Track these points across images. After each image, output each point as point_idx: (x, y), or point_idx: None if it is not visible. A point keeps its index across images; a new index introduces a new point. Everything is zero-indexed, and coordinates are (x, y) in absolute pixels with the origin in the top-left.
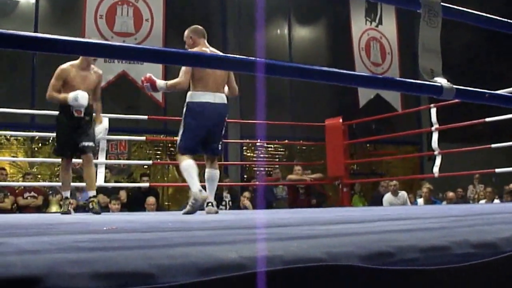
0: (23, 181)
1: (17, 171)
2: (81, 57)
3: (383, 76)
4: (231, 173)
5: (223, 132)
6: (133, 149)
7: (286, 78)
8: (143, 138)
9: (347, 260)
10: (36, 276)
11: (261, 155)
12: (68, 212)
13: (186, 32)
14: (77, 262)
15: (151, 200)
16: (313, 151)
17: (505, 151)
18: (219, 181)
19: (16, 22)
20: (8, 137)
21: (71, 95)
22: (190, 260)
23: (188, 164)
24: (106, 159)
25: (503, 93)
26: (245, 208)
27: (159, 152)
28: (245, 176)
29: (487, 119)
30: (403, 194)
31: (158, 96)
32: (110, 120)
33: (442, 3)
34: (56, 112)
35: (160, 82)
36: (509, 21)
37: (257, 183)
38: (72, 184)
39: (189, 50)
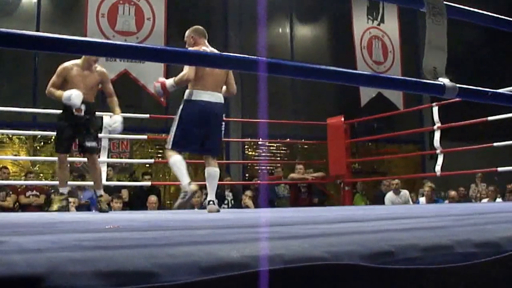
0: (25, 180)
1: (19, 169)
2: (83, 57)
3: (385, 75)
4: (233, 172)
5: (221, 132)
6: (135, 147)
7: (288, 77)
8: (145, 136)
9: (349, 259)
10: (39, 275)
11: (263, 154)
12: (64, 209)
13: (187, 32)
14: (80, 260)
15: (152, 198)
16: (314, 149)
17: (508, 149)
18: (220, 180)
19: (18, 21)
20: (10, 135)
21: (65, 94)
22: (192, 259)
23: (176, 159)
24: (108, 157)
25: (506, 92)
26: (247, 207)
27: (160, 151)
28: (247, 175)
29: (490, 118)
30: (405, 193)
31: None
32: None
33: (445, 2)
34: (59, 111)
35: (169, 81)
36: None
37: (259, 182)
38: (74, 183)
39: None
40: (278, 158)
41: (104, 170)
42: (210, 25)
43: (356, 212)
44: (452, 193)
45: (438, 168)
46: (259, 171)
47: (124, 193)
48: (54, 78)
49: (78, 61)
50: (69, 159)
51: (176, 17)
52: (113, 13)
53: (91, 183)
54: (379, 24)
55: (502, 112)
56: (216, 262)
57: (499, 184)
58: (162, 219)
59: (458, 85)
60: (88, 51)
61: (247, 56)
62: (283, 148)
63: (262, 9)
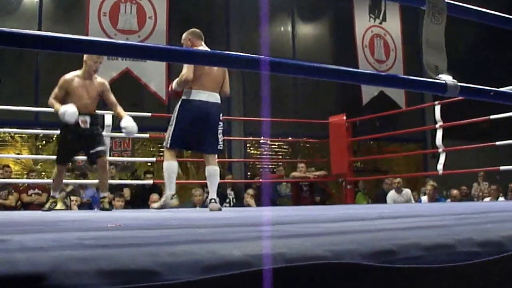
0: (27, 178)
1: (21, 168)
2: (83, 67)
3: (387, 73)
4: (234, 171)
5: (219, 131)
6: (137, 146)
7: (290, 76)
8: (147, 135)
9: (351, 258)
10: (42, 273)
11: (265, 153)
12: (49, 210)
13: (184, 35)
14: (82, 259)
15: (154, 197)
16: (316, 148)
17: (510, 148)
18: (222, 178)
19: (19, 21)
20: (13, 134)
21: (61, 110)
22: (194, 257)
23: (170, 165)
24: (110, 156)
25: (508, 91)
26: (249, 205)
27: (162, 149)
28: (249, 173)
29: (492, 117)
30: (407, 191)
31: (162, 94)
32: (113, 117)
33: (446, 0)
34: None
35: (174, 83)
36: None
37: (260, 180)
38: (76, 181)
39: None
40: (280, 157)
41: None
42: (212, 23)
43: (358, 210)
44: (454, 192)
45: (440, 167)
46: (261, 169)
47: (126, 192)
48: (56, 90)
49: (78, 72)
50: None
51: (178, 16)
52: (115, 11)
53: (93, 181)
54: (381, 23)
55: (504, 111)
56: (217, 261)
57: (501, 183)
58: (164, 217)
59: (460, 83)
60: (89, 50)
61: (249, 54)
62: (285, 146)
63: (264, 8)
